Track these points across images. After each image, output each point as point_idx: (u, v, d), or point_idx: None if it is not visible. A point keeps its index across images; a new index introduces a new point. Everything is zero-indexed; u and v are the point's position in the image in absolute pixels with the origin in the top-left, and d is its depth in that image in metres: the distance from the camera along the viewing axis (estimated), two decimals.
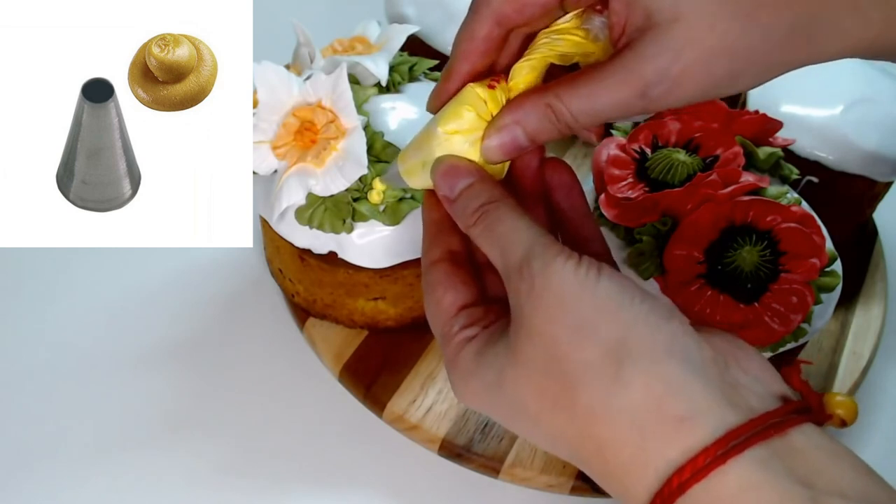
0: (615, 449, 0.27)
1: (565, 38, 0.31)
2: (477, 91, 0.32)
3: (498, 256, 0.30)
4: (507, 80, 0.32)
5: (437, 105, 0.33)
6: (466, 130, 0.32)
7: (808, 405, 0.28)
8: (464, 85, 0.32)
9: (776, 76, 0.30)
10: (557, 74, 0.32)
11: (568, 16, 0.31)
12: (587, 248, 0.34)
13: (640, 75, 0.29)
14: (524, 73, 0.32)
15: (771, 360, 0.44)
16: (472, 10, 0.31)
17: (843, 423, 0.28)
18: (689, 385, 0.27)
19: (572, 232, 0.35)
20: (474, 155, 0.32)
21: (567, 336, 0.28)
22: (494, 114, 0.32)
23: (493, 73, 0.33)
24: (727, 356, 0.29)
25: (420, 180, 0.34)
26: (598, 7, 0.31)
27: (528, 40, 0.32)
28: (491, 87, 0.32)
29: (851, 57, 0.30)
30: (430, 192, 0.35)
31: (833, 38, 0.29)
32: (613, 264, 0.34)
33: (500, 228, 0.30)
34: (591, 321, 0.28)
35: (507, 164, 0.33)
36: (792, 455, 0.26)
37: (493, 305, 0.33)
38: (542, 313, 0.28)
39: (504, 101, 0.32)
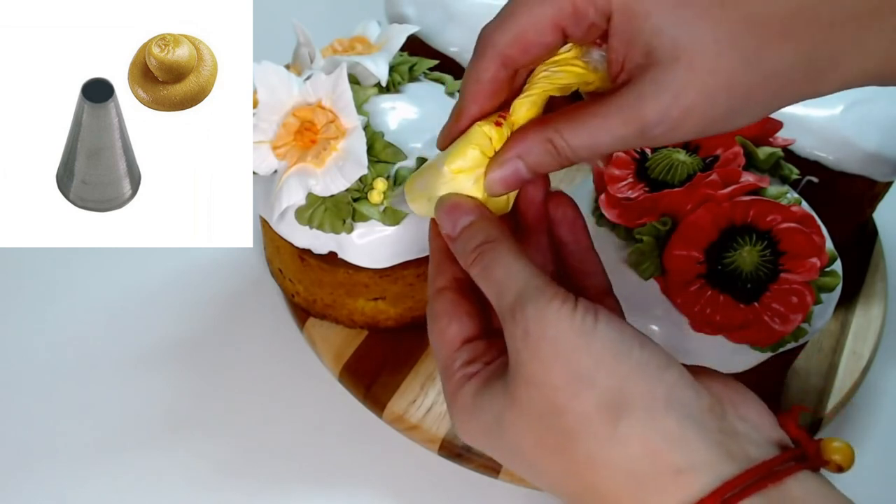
0: (614, 499, 0.28)
1: (565, 69, 0.31)
2: (484, 129, 0.32)
3: (493, 298, 0.30)
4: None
5: (445, 143, 0.33)
6: (470, 168, 0.32)
7: (804, 452, 0.28)
8: (472, 124, 0.32)
9: (774, 111, 0.30)
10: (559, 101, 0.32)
11: (566, 45, 0.31)
12: (588, 282, 0.34)
13: (640, 115, 0.28)
14: (525, 109, 0.32)
15: (771, 359, 0.44)
16: (477, 52, 0.31)
17: (840, 469, 0.28)
18: (686, 437, 0.27)
19: (574, 265, 0.35)
20: (478, 191, 0.32)
21: (564, 386, 0.28)
22: (497, 149, 0.32)
23: (501, 108, 0.33)
24: (725, 402, 0.29)
25: (424, 210, 0.34)
26: (598, 40, 0.31)
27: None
28: (498, 124, 0.32)
29: (850, 88, 0.30)
30: (435, 221, 0.35)
31: (833, 72, 0.29)
32: (614, 299, 0.34)
33: (496, 271, 0.30)
34: (588, 371, 0.28)
35: (512, 198, 0.34)
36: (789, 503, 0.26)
37: (496, 340, 0.33)
38: (539, 362, 0.28)
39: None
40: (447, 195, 0.33)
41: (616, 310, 0.34)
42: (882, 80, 0.30)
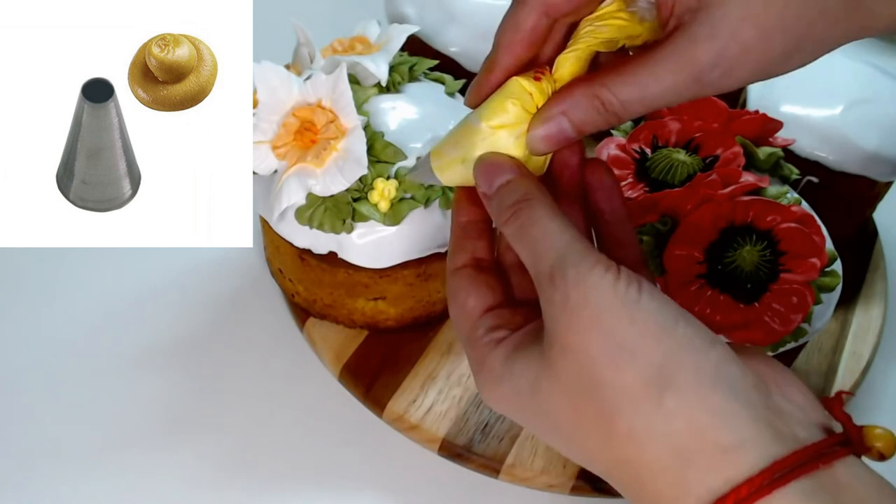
0: (653, 475, 0.27)
1: (609, 23, 0.30)
2: (522, 83, 0.30)
3: (529, 259, 0.29)
4: (551, 71, 0.31)
5: (477, 99, 0.32)
6: (512, 124, 0.31)
7: (849, 437, 0.28)
8: (507, 78, 0.31)
9: (830, 51, 0.29)
10: (605, 59, 0.31)
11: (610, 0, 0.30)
12: (622, 253, 0.33)
13: (694, 59, 0.27)
14: (569, 64, 0.30)
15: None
16: (519, 0, 0.30)
17: (882, 457, 0.28)
18: (734, 414, 0.26)
19: (608, 235, 0.34)
20: (518, 150, 0.31)
21: (606, 358, 0.27)
22: (540, 106, 0.31)
23: (535, 64, 0.32)
24: (769, 382, 0.28)
25: (457, 176, 0.32)
26: None
27: (572, 30, 0.31)
28: (536, 78, 0.30)
29: None
30: (462, 192, 0.34)
31: (886, 5, 0.28)
32: (649, 270, 0.33)
33: (533, 230, 0.29)
34: (632, 344, 0.27)
35: (548, 160, 0.33)
36: (837, 488, 0.26)
37: (520, 308, 0.32)
38: (579, 330, 0.27)
39: (550, 93, 0.31)
40: (485, 154, 0.31)
41: (653, 283, 0.33)
42: None
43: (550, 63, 0.31)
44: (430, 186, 0.46)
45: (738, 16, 0.27)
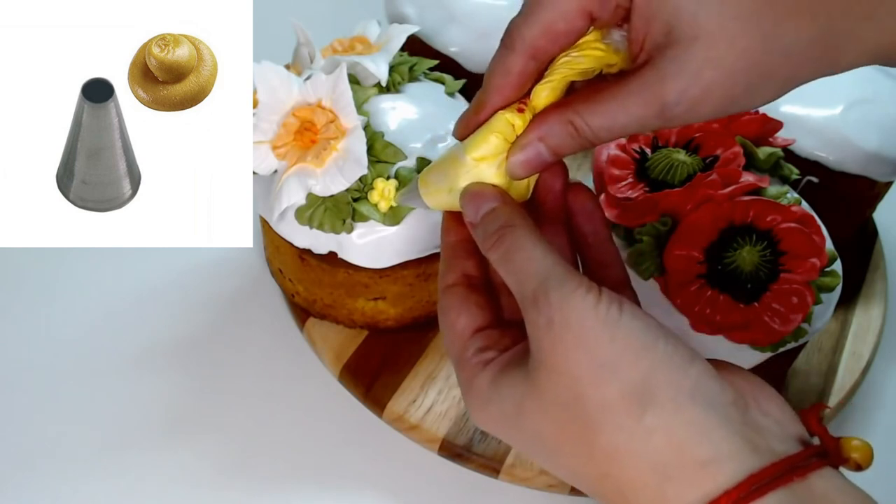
0: (635, 490, 0.27)
1: (586, 53, 0.31)
2: (506, 117, 0.32)
3: (514, 284, 0.30)
4: (529, 99, 0.32)
5: (465, 132, 0.33)
6: (492, 155, 0.32)
7: (825, 449, 0.28)
8: (493, 114, 0.32)
9: (792, 89, 0.30)
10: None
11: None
12: (605, 273, 0.34)
13: (659, 95, 0.28)
14: (545, 94, 0.32)
15: (771, 359, 0.44)
16: (506, 45, 0.31)
17: (858, 467, 0.28)
18: (712, 429, 0.27)
19: (592, 257, 0.35)
20: (499, 178, 0.32)
21: (588, 375, 0.28)
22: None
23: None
24: (747, 397, 0.29)
25: (442, 203, 0.34)
26: (618, 21, 0.31)
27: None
28: (520, 110, 0.32)
29: (866, 65, 0.30)
30: (449, 216, 0.35)
31: (850, 48, 0.29)
32: (632, 291, 0.34)
33: (516, 255, 0.30)
34: (613, 361, 0.27)
35: (531, 186, 0.34)
36: (814, 499, 0.26)
37: (509, 329, 0.33)
38: (562, 352, 0.28)
39: None
40: (471, 185, 0.33)
41: (635, 302, 0.34)
42: None
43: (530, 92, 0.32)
44: None
45: (702, 56, 0.28)
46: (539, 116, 0.32)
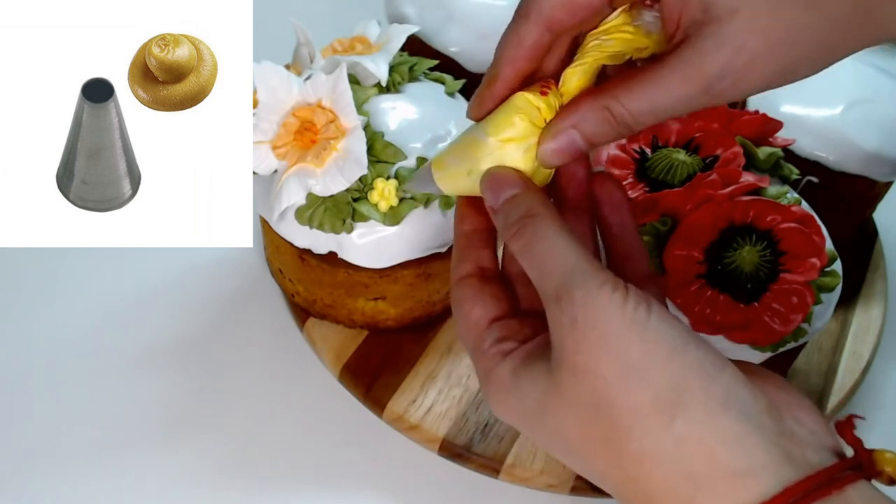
0: (662, 497, 0.27)
1: (615, 37, 0.30)
2: (529, 98, 0.31)
3: (536, 276, 0.29)
4: (557, 85, 0.31)
5: (481, 112, 0.32)
6: (520, 138, 0.31)
7: (860, 461, 0.27)
8: (510, 91, 0.31)
9: (837, 61, 0.29)
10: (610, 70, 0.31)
11: (615, 13, 0.30)
12: (630, 267, 0.33)
13: (703, 71, 0.28)
14: (576, 78, 0.31)
15: (771, 360, 0.44)
16: (522, 14, 0.30)
17: (892, 481, 0.28)
18: (746, 439, 0.26)
19: (616, 249, 0.34)
20: (526, 163, 0.31)
21: (615, 377, 0.27)
22: (549, 120, 0.31)
23: (536, 78, 0.32)
24: (780, 405, 0.28)
25: (460, 187, 0.32)
26: (648, 1, 0.30)
27: (574, 43, 0.32)
28: (543, 93, 0.31)
29: None
30: (464, 202, 0.34)
31: (889, 17, 0.28)
32: (657, 285, 0.33)
33: (539, 247, 0.29)
34: (642, 364, 0.26)
35: (552, 170, 0.32)
36: None
37: (528, 319, 0.32)
38: (587, 352, 0.27)
39: (558, 107, 0.31)
40: (492, 168, 0.31)
41: (660, 298, 0.33)
42: None
43: (556, 77, 0.31)
44: None
45: (745, 28, 0.27)
46: (572, 103, 0.30)
